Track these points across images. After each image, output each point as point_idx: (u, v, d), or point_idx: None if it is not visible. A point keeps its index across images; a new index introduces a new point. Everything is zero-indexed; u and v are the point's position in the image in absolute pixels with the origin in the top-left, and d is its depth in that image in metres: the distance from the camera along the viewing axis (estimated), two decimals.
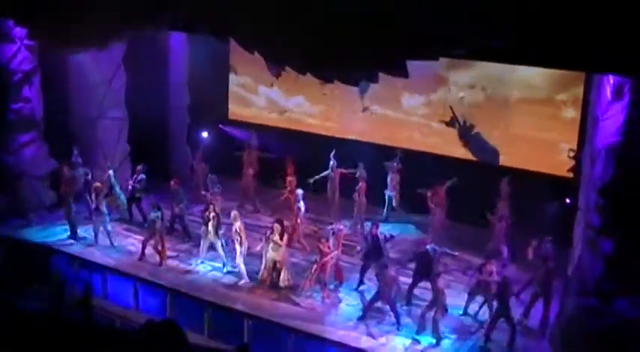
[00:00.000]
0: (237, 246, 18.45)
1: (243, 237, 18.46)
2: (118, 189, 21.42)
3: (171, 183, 20.85)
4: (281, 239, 17.86)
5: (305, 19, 14.59)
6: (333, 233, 18.19)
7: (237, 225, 18.47)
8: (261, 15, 15.19)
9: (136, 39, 20.46)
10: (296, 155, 22.08)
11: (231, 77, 25.50)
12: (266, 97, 25.10)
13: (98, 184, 20.37)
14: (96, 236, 20.33)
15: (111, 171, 21.21)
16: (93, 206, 20.18)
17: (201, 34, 18.94)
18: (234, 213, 18.82)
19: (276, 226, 17.95)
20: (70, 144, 22.15)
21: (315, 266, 17.58)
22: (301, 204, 20.10)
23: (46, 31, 18.47)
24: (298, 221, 20.15)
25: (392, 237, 18.60)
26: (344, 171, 21.38)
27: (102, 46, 18.62)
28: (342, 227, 18.64)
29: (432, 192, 19.97)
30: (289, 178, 21.51)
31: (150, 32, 19.27)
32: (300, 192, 20.25)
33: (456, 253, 19.65)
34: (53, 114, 22.13)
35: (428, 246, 17.50)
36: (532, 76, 20.10)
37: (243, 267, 18.48)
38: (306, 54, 14.86)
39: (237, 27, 15.82)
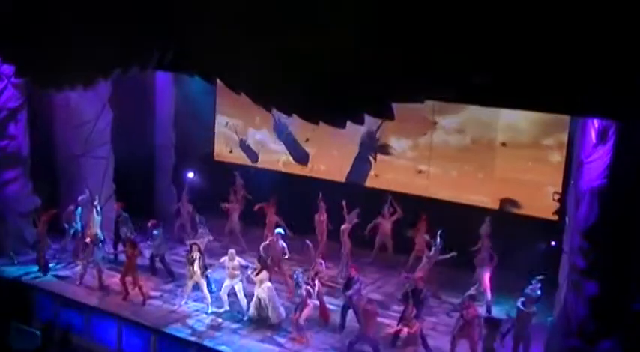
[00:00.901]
0: (235, 282, 18.51)
1: (240, 272, 18.48)
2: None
3: (149, 224, 20.82)
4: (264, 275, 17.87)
5: (291, 61, 14.65)
6: (316, 274, 18.20)
7: (236, 261, 18.47)
8: (247, 56, 15.25)
9: (123, 78, 20.52)
10: (280, 196, 22.10)
11: (221, 119, 25.53)
12: (254, 140, 25.14)
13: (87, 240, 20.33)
14: (81, 277, 20.19)
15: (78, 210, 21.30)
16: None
17: (187, 74, 19.03)
18: (231, 251, 18.81)
19: (257, 264, 18.00)
20: (55, 181, 22.13)
21: (296, 313, 17.50)
22: (281, 243, 20.02)
23: (33, 69, 18.51)
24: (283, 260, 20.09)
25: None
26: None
27: (88, 85, 18.63)
28: (322, 268, 18.62)
29: (416, 230, 20.06)
30: (270, 219, 21.53)
31: (136, 71, 19.35)
32: (280, 231, 20.21)
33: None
34: (39, 152, 22.11)
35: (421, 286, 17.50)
36: (517, 121, 20.31)
37: (244, 301, 18.54)
38: (292, 96, 14.91)
39: (224, 68, 15.86)
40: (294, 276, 17.70)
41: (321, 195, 21.75)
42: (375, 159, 23.01)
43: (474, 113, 20.86)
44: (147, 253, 20.59)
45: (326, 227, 21.60)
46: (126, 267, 19.39)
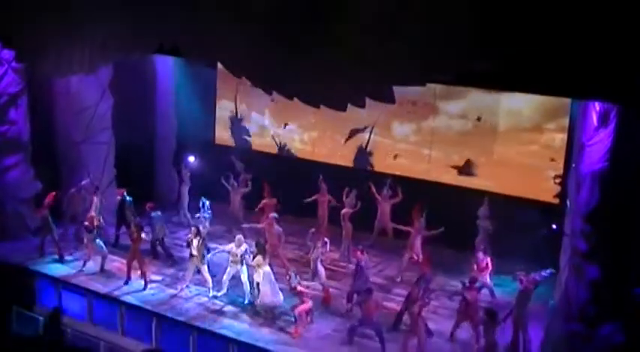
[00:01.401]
0: (240, 267, 18.51)
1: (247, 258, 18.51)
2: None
3: (147, 206, 20.85)
4: (263, 259, 17.86)
5: (292, 45, 14.63)
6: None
7: (243, 248, 18.51)
8: (248, 40, 15.22)
9: (123, 63, 20.51)
10: (280, 179, 22.09)
11: (225, 104, 25.51)
12: (257, 124, 25.11)
13: (93, 214, 20.36)
14: (84, 263, 20.24)
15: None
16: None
17: (187, 58, 18.99)
18: (238, 237, 18.81)
19: (254, 249, 18.03)
20: (56, 167, 22.12)
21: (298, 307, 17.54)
22: (276, 227, 20.01)
23: (34, 54, 18.49)
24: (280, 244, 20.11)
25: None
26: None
27: (89, 70, 18.63)
28: (325, 249, 18.66)
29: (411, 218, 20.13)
30: (264, 201, 21.51)
31: (137, 56, 19.33)
32: (274, 215, 20.22)
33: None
34: (39, 137, 22.09)
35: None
36: (520, 107, 20.33)
37: (248, 285, 18.52)
38: (293, 79, 14.89)
39: (224, 52, 15.84)
40: (290, 277, 17.67)
41: (321, 176, 21.76)
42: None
43: (476, 99, 20.86)
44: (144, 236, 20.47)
45: (327, 207, 21.57)
46: (132, 251, 19.44)
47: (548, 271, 16.49)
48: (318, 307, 18.26)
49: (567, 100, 18.88)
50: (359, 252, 18.31)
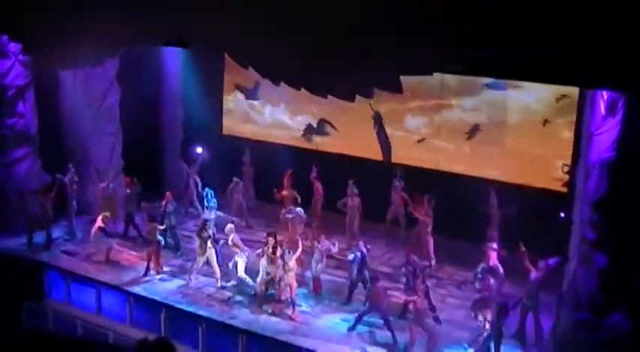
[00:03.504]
0: (237, 258, 18.46)
1: (241, 247, 18.48)
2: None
3: (165, 196, 20.87)
4: (274, 252, 17.81)
5: (299, 35, 14.63)
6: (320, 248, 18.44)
7: (232, 237, 18.50)
8: (255, 31, 15.23)
9: (130, 55, 20.51)
10: (294, 170, 22.09)
11: (239, 96, 25.54)
12: (271, 116, 25.13)
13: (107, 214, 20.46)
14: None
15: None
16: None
17: (195, 49, 19.02)
18: (229, 226, 18.86)
19: (270, 239, 17.94)
20: (64, 159, 22.14)
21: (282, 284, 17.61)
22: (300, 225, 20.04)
23: (41, 47, 18.51)
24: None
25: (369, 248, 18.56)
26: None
27: (96, 62, 18.65)
28: (327, 243, 18.64)
29: (414, 206, 20.09)
30: (284, 193, 21.51)
31: (144, 48, 19.33)
32: (299, 210, 20.21)
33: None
34: (47, 129, 22.12)
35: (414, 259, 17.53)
36: (530, 102, 20.40)
37: (247, 277, 18.48)
38: (300, 69, 14.89)
39: (232, 42, 15.85)
40: (281, 253, 17.70)
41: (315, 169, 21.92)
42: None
43: (489, 95, 20.94)
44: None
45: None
46: (150, 245, 19.60)
47: (555, 259, 16.52)
48: (327, 298, 18.33)
49: (575, 95, 18.93)
50: (361, 242, 18.38)
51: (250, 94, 25.08)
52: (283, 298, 17.80)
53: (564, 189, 19.87)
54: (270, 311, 17.67)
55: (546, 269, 16.31)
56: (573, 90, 18.93)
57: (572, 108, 19.56)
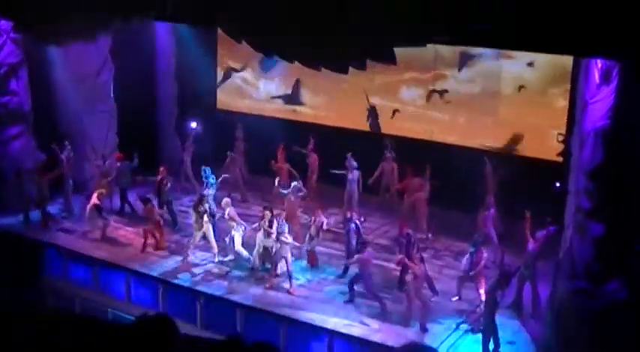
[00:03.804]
0: (234, 232, 18.48)
1: (238, 221, 18.48)
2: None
3: (159, 171, 20.89)
4: (270, 226, 17.83)
5: (292, 7, 14.55)
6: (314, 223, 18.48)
7: (229, 211, 18.50)
8: (247, 4, 15.15)
9: (123, 31, 20.40)
10: (288, 144, 22.07)
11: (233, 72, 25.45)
12: (266, 90, 25.03)
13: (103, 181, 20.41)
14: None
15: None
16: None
17: (187, 23, 18.92)
18: (225, 200, 18.86)
19: (266, 213, 17.97)
20: (59, 137, 22.09)
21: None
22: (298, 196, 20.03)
23: (32, 24, 18.40)
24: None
25: (364, 220, 18.58)
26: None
27: (89, 39, 18.55)
28: (322, 218, 18.65)
29: (404, 182, 20.21)
30: (278, 165, 21.50)
31: (137, 23, 19.21)
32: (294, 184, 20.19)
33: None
34: (41, 108, 22.06)
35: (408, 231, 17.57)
36: (524, 73, 20.44)
37: (243, 251, 18.50)
38: (293, 42, 14.84)
39: (224, 16, 15.77)
40: (277, 224, 17.72)
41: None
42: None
43: (484, 66, 20.94)
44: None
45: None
46: (149, 223, 19.67)
47: (551, 228, 16.56)
48: (324, 270, 18.44)
49: (569, 66, 18.94)
50: (354, 214, 18.50)
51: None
52: (279, 272, 17.83)
53: (559, 159, 19.89)
54: (266, 286, 17.69)
55: (543, 239, 16.40)
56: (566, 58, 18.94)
57: (566, 77, 19.53)
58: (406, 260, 16.46)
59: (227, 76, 25.58)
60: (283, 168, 21.42)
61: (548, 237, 16.47)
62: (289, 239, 17.56)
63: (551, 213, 17.40)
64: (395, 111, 22.76)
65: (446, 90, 21.64)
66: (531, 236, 16.52)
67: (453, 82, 21.64)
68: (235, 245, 18.58)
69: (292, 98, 24.48)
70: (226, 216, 18.63)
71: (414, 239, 17.29)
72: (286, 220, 18.21)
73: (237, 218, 18.65)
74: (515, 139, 20.74)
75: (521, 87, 20.47)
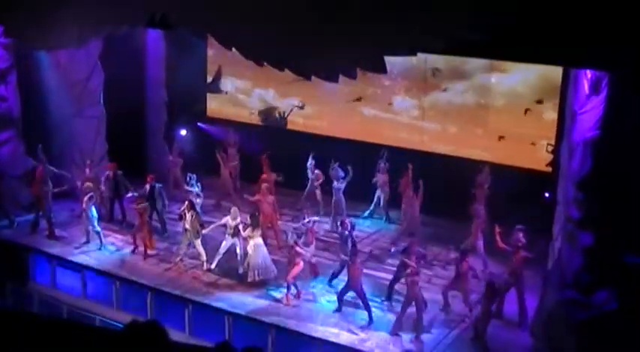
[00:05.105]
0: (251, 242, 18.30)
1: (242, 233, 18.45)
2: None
3: (148, 178, 20.71)
4: (253, 231, 17.89)
5: (282, 16, 14.57)
6: (307, 229, 18.36)
7: (239, 220, 18.50)
8: (237, 11, 15.15)
9: (113, 37, 20.37)
10: (276, 153, 22.03)
11: (229, 80, 25.37)
12: (259, 98, 25.00)
13: (89, 184, 20.32)
14: (88, 235, 20.18)
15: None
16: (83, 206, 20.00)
17: (178, 31, 18.90)
18: (233, 209, 18.82)
19: (248, 221, 18.07)
20: (49, 142, 22.03)
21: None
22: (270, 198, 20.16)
23: (22, 29, 18.37)
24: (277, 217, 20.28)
25: (353, 227, 18.57)
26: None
27: (79, 44, 18.53)
28: (313, 221, 18.65)
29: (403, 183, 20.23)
30: (264, 176, 21.48)
31: (127, 30, 19.19)
32: (266, 185, 20.32)
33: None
34: (30, 113, 21.99)
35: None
36: (516, 85, 20.54)
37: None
38: (283, 50, 14.84)
39: (215, 24, 15.78)
40: (287, 236, 17.67)
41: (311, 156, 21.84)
42: None
43: (477, 80, 21.05)
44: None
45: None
46: (139, 224, 19.59)
47: (519, 228, 16.70)
48: (312, 279, 18.39)
49: (559, 79, 19.02)
50: (346, 221, 18.44)
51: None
52: (249, 280, 17.91)
53: (548, 169, 19.94)
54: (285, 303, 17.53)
55: (524, 245, 16.44)
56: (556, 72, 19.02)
57: (556, 90, 19.61)
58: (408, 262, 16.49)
59: (217, 83, 25.49)
60: (268, 177, 21.37)
61: (525, 245, 16.52)
62: (301, 248, 17.57)
63: (540, 223, 17.47)
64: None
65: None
66: (506, 245, 16.62)
67: (445, 93, 21.67)
68: (237, 251, 18.64)
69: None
70: (234, 223, 18.53)
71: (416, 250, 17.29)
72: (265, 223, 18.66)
73: (241, 229, 18.47)
74: (505, 149, 20.77)
75: (511, 99, 20.55)
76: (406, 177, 20.18)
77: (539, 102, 20.13)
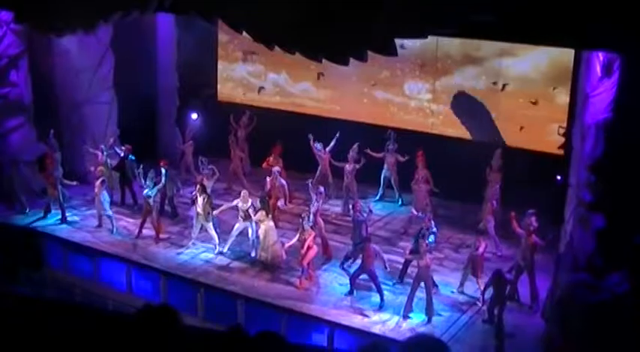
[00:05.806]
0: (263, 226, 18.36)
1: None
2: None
3: (161, 163, 20.72)
4: (266, 214, 17.99)
5: None
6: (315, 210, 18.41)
7: (250, 203, 18.53)
8: None
9: (124, 22, 20.33)
10: (289, 138, 22.04)
11: (241, 65, 25.33)
12: (273, 83, 24.94)
13: (102, 168, 20.39)
14: (100, 219, 20.27)
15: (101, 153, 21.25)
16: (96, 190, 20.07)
17: (188, 15, 18.84)
18: (244, 192, 18.87)
19: (258, 205, 18.16)
20: (60, 128, 22.08)
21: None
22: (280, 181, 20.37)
23: (33, 15, 18.35)
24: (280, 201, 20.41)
25: (371, 211, 18.59)
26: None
27: (89, 30, 18.49)
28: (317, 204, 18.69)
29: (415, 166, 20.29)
30: (271, 158, 21.55)
31: (137, 14, 19.16)
32: (276, 169, 20.41)
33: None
34: (42, 99, 22.03)
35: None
36: (528, 70, 20.52)
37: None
38: (294, 33, 14.79)
39: (225, 7, 15.72)
40: (301, 220, 17.67)
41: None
42: None
43: (490, 64, 21.03)
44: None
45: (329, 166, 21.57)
46: (146, 210, 19.62)
47: (531, 212, 16.73)
48: (322, 259, 18.41)
49: (570, 63, 19.03)
50: (357, 204, 18.48)
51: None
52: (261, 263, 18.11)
53: (560, 152, 19.89)
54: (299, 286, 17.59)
55: (535, 229, 16.42)
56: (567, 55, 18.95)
57: (567, 75, 19.60)
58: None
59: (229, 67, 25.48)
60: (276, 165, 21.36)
61: (536, 229, 16.51)
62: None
63: (552, 206, 17.44)
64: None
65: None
66: (521, 228, 16.62)
67: (459, 79, 21.65)
68: (249, 234, 18.75)
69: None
70: (245, 206, 18.57)
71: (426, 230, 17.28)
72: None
73: (252, 212, 18.54)
74: (517, 132, 20.74)
75: (523, 83, 20.53)
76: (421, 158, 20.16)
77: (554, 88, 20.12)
